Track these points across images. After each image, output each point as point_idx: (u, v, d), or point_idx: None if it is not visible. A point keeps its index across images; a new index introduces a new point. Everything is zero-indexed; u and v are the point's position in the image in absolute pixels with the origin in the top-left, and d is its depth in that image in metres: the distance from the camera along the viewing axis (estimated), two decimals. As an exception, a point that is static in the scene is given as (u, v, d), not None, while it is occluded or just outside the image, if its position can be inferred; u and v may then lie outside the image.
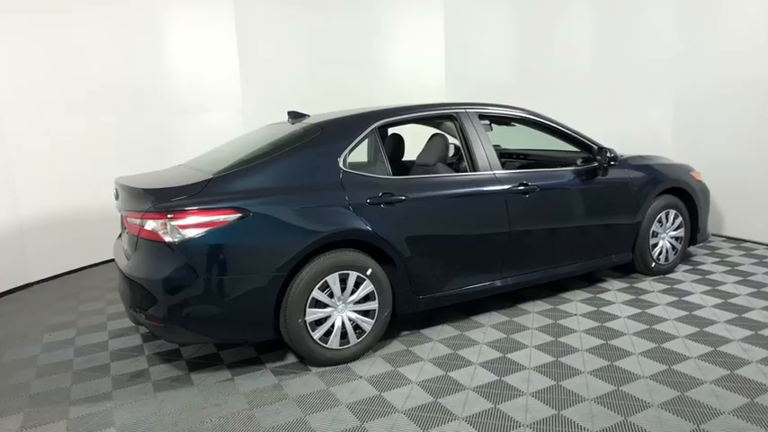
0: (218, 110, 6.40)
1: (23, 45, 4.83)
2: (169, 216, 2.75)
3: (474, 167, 3.60)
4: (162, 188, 2.92)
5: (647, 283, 4.31)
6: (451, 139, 4.68)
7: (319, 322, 3.03)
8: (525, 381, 2.83)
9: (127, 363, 3.27)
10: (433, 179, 3.46)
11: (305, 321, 2.96)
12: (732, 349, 3.07)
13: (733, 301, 3.83)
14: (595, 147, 4.08)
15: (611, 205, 4.07)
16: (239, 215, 2.81)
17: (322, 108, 4.39)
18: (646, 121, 6.19)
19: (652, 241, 4.35)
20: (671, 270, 4.54)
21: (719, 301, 3.84)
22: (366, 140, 3.57)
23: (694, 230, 4.63)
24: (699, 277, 4.40)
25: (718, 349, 3.08)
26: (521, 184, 3.64)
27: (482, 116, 3.79)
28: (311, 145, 3.18)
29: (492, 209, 3.54)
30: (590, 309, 3.80)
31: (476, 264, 3.54)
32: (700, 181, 4.63)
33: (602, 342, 3.25)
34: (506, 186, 3.59)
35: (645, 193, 4.22)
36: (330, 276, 3.00)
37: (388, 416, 2.55)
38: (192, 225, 2.75)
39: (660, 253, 4.43)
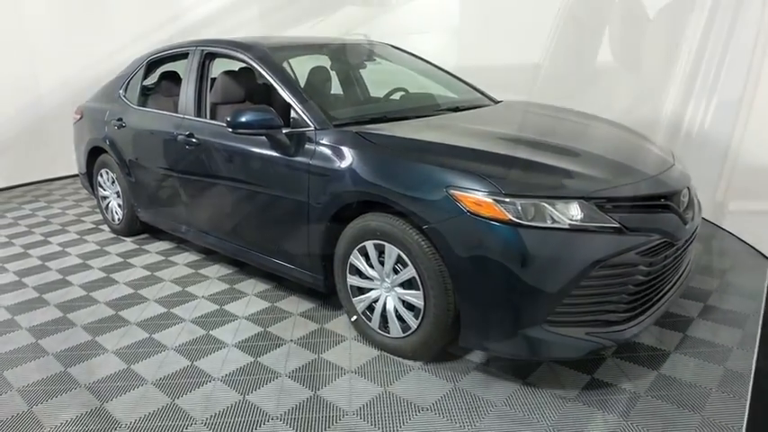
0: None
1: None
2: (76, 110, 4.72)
3: (177, 107, 3.62)
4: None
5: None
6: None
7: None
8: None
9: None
10: (146, 113, 3.93)
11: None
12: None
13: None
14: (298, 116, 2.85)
15: (269, 195, 2.92)
16: (80, 116, 4.63)
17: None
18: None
19: (354, 281, 2.61)
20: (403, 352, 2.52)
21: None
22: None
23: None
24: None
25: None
26: (189, 134, 3.37)
27: (212, 55, 3.51)
28: (124, 74, 4.31)
29: (166, 151, 3.62)
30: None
31: (167, 200, 3.77)
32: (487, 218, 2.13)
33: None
34: (177, 133, 3.46)
35: (327, 198, 2.60)
36: (102, 170, 4.44)
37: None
38: (75, 119, 4.73)
39: (382, 313, 2.53)
